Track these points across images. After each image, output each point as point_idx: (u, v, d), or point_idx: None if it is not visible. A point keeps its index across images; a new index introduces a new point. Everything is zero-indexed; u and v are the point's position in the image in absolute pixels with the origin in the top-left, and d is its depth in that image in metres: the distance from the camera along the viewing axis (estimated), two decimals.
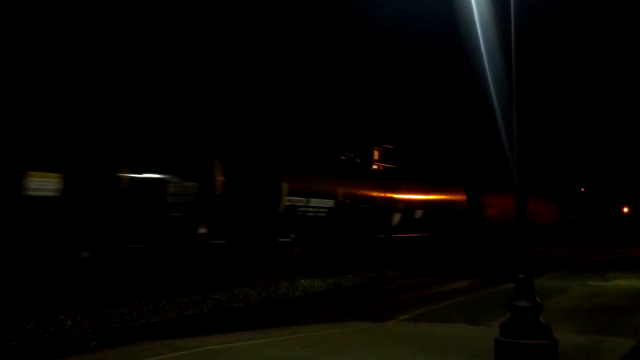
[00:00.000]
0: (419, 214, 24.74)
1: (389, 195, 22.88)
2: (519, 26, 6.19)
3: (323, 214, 18.74)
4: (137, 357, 6.64)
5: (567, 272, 19.13)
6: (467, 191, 28.76)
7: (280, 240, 17.29)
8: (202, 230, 14.16)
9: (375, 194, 21.98)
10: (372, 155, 23.55)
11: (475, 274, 19.05)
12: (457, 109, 37.19)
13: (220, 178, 14.54)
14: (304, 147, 19.84)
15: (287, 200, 17.13)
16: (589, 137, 50.34)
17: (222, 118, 17.05)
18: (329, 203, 18.96)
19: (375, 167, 23.51)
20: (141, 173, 12.66)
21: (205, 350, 6.97)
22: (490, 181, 30.71)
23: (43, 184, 10.76)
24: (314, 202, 18.32)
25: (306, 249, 18.41)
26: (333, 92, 30.14)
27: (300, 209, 17.76)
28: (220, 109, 17.78)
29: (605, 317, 9.35)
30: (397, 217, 23.19)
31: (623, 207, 53.46)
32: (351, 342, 7.62)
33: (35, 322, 9.44)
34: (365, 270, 18.67)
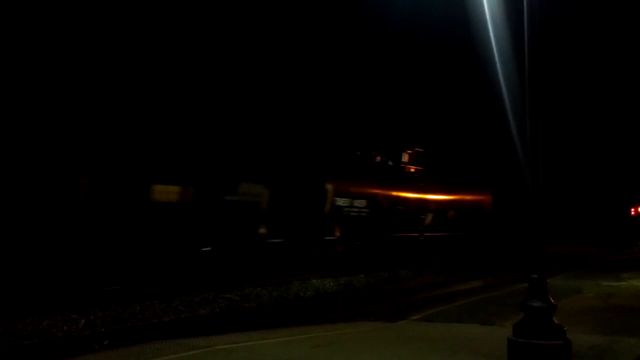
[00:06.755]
0: (450, 214, 25.91)
1: (421, 196, 24.08)
2: (532, 27, 6.15)
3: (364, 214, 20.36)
4: (150, 356, 6.66)
5: (580, 272, 19.01)
6: (492, 193, 29.25)
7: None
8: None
9: (409, 195, 23.31)
10: (402, 157, 24.36)
11: (488, 274, 18.95)
12: (477, 111, 37.14)
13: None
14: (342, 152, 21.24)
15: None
16: (602, 136, 49.98)
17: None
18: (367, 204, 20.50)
19: (412, 169, 24.49)
20: None
21: (217, 349, 6.98)
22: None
23: None
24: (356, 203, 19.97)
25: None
26: (352, 95, 30.31)
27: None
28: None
29: (619, 317, 9.26)
30: (429, 217, 24.51)
31: (638, 207, 52.96)
32: (363, 342, 7.60)
33: (49, 321, 9.51)
34: (378, 270, 18.65)
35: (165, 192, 13.54)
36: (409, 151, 24.64)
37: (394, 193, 22.38)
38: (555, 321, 5.80)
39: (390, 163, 23.44)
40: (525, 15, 6.16)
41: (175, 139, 14.40)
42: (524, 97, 6.18)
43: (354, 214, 19.89)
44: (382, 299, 13.54)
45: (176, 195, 13.83)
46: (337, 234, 19.23)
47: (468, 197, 27.98)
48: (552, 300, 5.89)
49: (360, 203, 20.13)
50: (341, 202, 19.30)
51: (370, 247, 20.94)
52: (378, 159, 22.74)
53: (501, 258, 25.41)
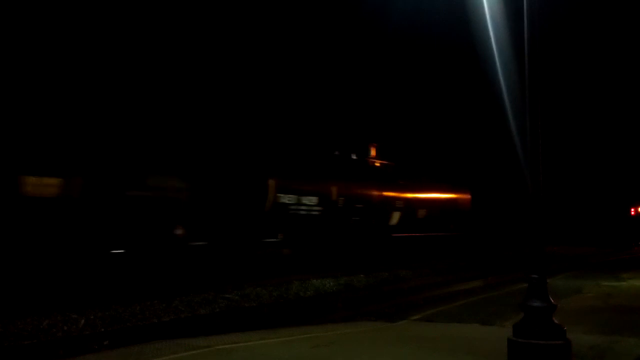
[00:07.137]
0: (422, 213, 24.45)
1: (388, 193, 22.54)
2: (532, 27, 6.15)
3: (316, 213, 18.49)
4: (150, 356, 6.66)
5: (580, 272, 19.01)
6: (472, 191, 28.77)
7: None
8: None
9: (374, 192, 21.73)
10: (369, 151, 22.95)
11: (487, 274, 18.95)
12: (470, 109, 37.04)
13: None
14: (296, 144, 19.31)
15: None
16: (602, 136, 49.99)
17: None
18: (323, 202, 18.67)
19: (377, 164, 23.07)
20: None
21: (217, 349, 6.99)
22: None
23: None
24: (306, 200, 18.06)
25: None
26: (332, 88, 29.84)
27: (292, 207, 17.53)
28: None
29: (620, 317, 9.26)
30: (396, 217, 22.89)
31: (638, 207, 52.95)
32: (363, 342, 7.60)
33: (49, 321, 9.51)
34: (378, 270, 18.64)
35: (42, 185, 11.60)
36: (376, 144, 23.12)
37: (354, 190, 20.41)
38: (555, 321, 5.79)
39: (354, 157, 21.62)
40: (525, 15, 6.16)
41: (57, 123, 12.27)
42: (524, 97, 6.19)
43: (302, 212, 17.83)
44: (382, 299, 13.54)
45: (57, 189, 11.83)
46: (281, 235, 17.26)
47: (444, 196, 26.54)
48: (552, 300, 5.89)
49: (310, 200, 18.06)
50: (286, 199, 17.15)
51: (322, 249, 19.11)
52: (351, 153, 21.35)
53: (483, 259, 25.12)
